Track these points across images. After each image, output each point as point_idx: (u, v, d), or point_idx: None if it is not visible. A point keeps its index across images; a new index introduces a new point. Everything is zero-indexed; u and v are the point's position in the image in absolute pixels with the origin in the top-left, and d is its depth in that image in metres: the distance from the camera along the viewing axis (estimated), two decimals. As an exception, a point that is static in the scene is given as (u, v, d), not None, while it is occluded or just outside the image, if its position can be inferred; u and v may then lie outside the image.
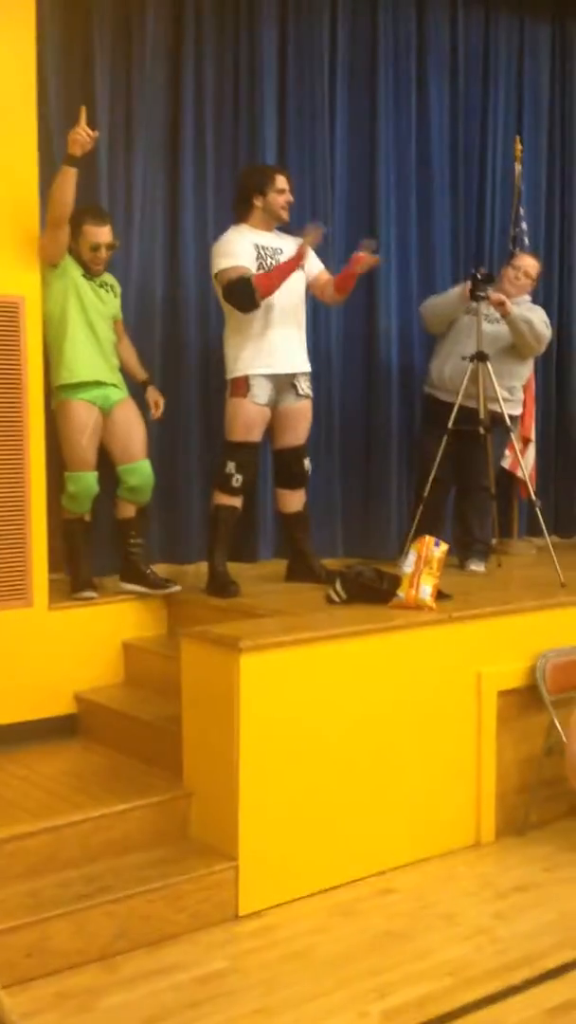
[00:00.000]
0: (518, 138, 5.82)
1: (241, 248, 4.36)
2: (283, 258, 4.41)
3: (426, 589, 4.07)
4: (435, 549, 4.14)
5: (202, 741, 3.64)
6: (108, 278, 4.42)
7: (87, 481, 4.32)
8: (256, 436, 4.49)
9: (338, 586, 4.23)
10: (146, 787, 3.71)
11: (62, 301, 4.22)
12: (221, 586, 4.43)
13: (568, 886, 3.79)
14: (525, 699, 4.19)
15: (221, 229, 4.74)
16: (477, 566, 5.10)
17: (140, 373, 4.60)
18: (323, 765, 3.68)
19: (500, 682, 4.11)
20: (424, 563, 4.11)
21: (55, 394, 4.30)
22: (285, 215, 4.49)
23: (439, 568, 4.14)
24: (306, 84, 5.19)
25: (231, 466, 4.46)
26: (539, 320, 5.01)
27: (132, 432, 4.42)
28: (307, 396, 4.61)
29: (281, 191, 4.44)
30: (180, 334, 4.93)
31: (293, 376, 4.53)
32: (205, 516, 4.72)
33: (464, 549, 5.13)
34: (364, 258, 4.48)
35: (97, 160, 4.53)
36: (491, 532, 5.21)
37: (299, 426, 4.57)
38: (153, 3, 4.70)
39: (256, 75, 5.03)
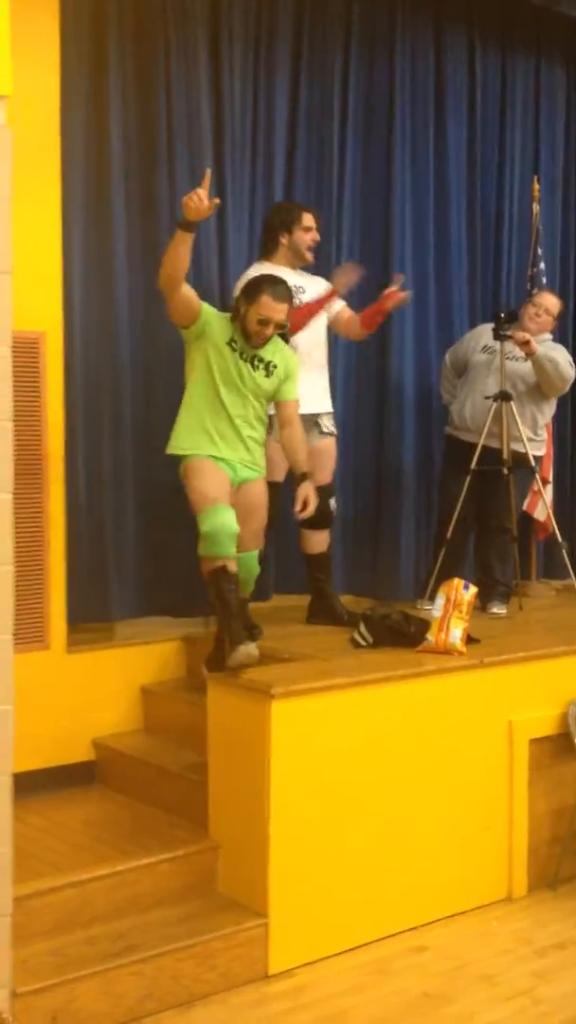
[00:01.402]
0: (536, 177, 5.80)
1: None
2: (305, 298, 4.35)
3: (456, 633, 3.97)
4: (464, 592, 4.06)
5: (229, 791, 3.52)
6: (268, 354, 3.93)
7: (221, 516, 3.67)
8: (278, 475, 4.39)
9: (363, 629, 4.13)
10: (170, 839, 3.58)
11: (194, 363, 3.91)
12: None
13: (606, 943, 3.66)
14: (557, 747, 4.08)
15: (237, 267, 4.70)
16: (499, 609, 5.00)
17: (299, 466, 4.00)
18: (353, 816, 3.56)
19: (532, 730, 4.00)
20: (454, 606, 4.02)
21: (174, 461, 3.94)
22: (309, 255, 4.43)
23: (468, 612, 4.04)
24: (315, 127, 5.13)
25: None
26: (564, 360, 4.96)
27: (252, 515, 3.92)
28: (331, 434, 4.53)
29: (307, 229, 4.39)
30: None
31: (316, 416, 4.45)
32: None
33: (486, 591, 5.03)
34: (395, 294, 4.42)
35: (113, 197, 4.48)
36: (513, 574, 5.12)
37: (324, 465, 4.48)
38: (172, 43, 4.66)
39: (271, 115, 4.99)
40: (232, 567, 3.69)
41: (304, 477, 3.96)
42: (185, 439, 3.87)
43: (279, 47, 5.00)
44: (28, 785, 3.92)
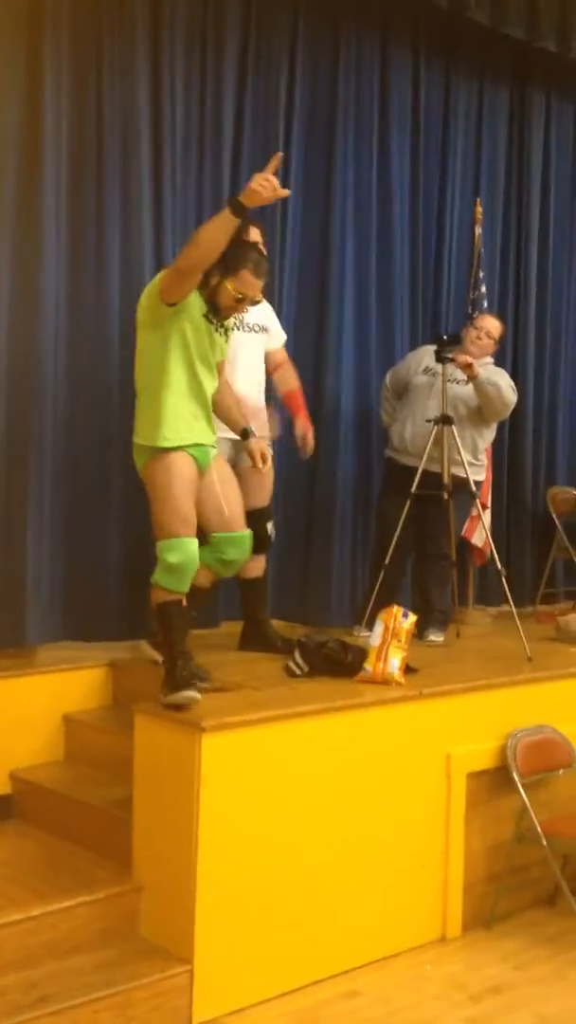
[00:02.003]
0: (478, 200, 5.75)
1: None
2: (248, 318, 4.22)
3: (394, 663, 3.84)
4: (403, 620, 3.93)
5: (155, 828, 3.32)
6: (227, 321, 3.78)
7: (192, 549, 3.48)
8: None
9: (298, 657, 3.98)
10: (91, 879, 3.37)
11: (166, 345, 3.55)
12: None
13: (542, 987, 3.54)
14: (494, 781, 3.96)
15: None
16: (437, 636, 4.89)
17: (240, 420, 3.93)
18: (284, 854, 3.39)
19: (470, 763, 3.88)
20: (392, 635, 3.89)
21: (142, 451, 3.63)
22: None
23: (407, 640, 3.91)
24: (259, 140, 5.00)
25: None
26: (506, 384, 4.88)
27: (230, 492, 3.79)
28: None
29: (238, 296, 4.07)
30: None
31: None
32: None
33: (423, 618, 4.90)
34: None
35: (45, 199, 4.28)
36: (451, 601, 5.01)
37: (262, 486, 4.31)
38: (118, 46, 4.50)
39: (218, 127, 4.85)
40: (184, 602, 3.53)
41: (246, 434, 3.90)
42: (169, 427, 3.54)
43: (224, 57, 4.86)
44: None
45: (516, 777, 3.89)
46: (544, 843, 3.83)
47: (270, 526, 4.34)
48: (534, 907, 4.13)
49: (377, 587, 4.73)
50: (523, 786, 3.89)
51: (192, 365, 3.57)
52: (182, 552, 3.44)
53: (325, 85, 5.24)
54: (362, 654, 3.93)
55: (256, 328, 4.39)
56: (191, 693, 3.33)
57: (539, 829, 3.83)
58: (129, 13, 4.52)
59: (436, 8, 5.34)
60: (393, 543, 4.67)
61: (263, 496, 4.33)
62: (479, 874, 3.94)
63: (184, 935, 3.18)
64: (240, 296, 3.58)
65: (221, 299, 3.57)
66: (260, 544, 4.24)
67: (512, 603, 4.61)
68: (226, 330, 3.72)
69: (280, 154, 3.46)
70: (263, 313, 4.41)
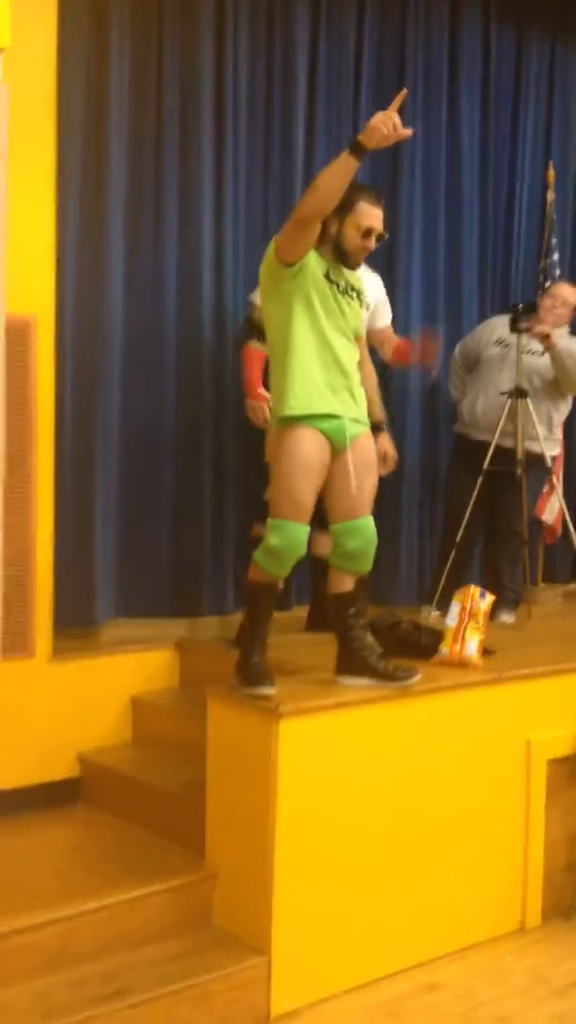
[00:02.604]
0: (551, 164, 5.54)
1: None
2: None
3: (472, 645, 3.70)
4: (481, 601, 3.78)
5: (230, 815, 3.23)
6: (357, 281, 3.45)
7: (298, 536, 3.22)
8: None
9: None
10: (163, 867, 3.29)
11: (290, 311, 3.25)
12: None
13: (627, 981, 3.41)
14: (573, 768, 3.82)
15: (238, 258, 4.49)
16: (508, 617, 4.75)
17: (376, 412, 3.63)
18: (362, 842, 3.28)
19: (550, 750, 3.74)
20: (469, 616, 3.74)
21: (277, 422, 3.34)
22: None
23: (485, 622, 3.78)
24: (333, 101, 4.88)
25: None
26: (585, 357, 4.70)
27: (366, 478, 3.38)
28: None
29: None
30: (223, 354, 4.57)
31: None
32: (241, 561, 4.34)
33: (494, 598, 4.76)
34: (429, 348, 4.18)
35: (108, 169, 4.18)
36: (522, 580, 4.86)
37: None
38: (178, 13, 4.37)
39: (288, 87, 4.71)
40: (280, 586, 3.38)
41: (380, 427, 3.60)
42: (295, 396, 3.23)
43: (292, 21, 4.71)
44: (8, 804, 3.65)
45: (598, 764, 3.75)
46: (628, 833, 3.70)
47: None
48: (614, 897, 4.00)
49: (448, 566, 4.59)
50: (605, 773, 3.75)
51: (322, 331, 3.26)
52: (285, 535, 3.21)
53: (394, 46, 5.07)
54: (437, 636, 3.80)
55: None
56: (266, 690, 3.20)
57: (622, 818, 3.70)
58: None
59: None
60: (464, 521, 4.53)
61: None
62: (559, 863, 3.81)
63: (261, 925, 3.10)
64: (365, 228, 3.28)
65: (348, 243, 3.29)
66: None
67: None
68: (359, 294, 3.41)
69: (405, 90, 3.15)
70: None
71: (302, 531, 3.24)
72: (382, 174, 5.05)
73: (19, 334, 3.57)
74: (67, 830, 3.61)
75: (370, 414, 3.50)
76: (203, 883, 3.24)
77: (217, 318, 4.53)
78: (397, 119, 3.03)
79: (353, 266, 3.37)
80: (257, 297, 4.00)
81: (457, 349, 5.01)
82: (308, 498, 3.25)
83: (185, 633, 4.39)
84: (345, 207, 3.23)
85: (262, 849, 3.10)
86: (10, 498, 3.57)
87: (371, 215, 3.29)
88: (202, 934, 3.17)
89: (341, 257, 3.32)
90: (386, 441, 3.68)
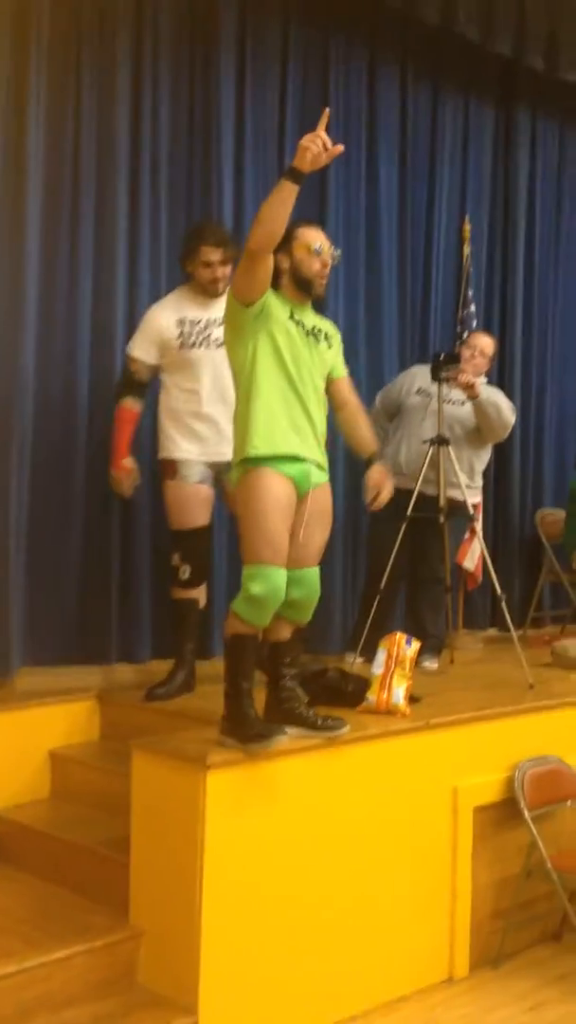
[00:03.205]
0: (466, 219, 5.66)
1: (152, 327, 4.05)
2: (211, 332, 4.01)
3: (399, 692, 3.69)
4: (407, 647, 3.77)
5: (155, 870, 3.15)
6: (324, 323, 3.41)
7: (280, 580, 3.13)
8: (197, 520, 4.07)
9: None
10: (85, 926, 3.17)
11: (254, 354, 3.19)
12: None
13: (559, 1029, 3.39)
14: (501, 814, 3.82)
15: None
16: (431, 663, 4.76)
17: (367, 446, 3.61)
18: (290, 895, 3.22)
19: (477, 796, 3.73)
20: (396, 663, 3.73)
21: (238, 466, 3.25)
22: (213, 288, 4.01)
23: (411, 668, 3.77)
24: (257, 159, 4.94)
25: (175, 558, 4.07)
26: (507, 405, 4.78)
27: (322, 523, 3.36)
28: None
29: (206, 263, 3.97)
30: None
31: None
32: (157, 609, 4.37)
33: (416, 645, 4.78)
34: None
35: (27, 207, 4.15)
36: (444, 626, 4.88)
37: None
38: (95, 56, 4.39)
39: (208, 140, 4.75)
40: (260, 637, 3.27)
41: (372, 460, 3.59)
42: (259, 435, 3.16)
43: (212, 75, 4.77)
44: None
45: (525, 810, 3.75)
46: (555, 878, 3.70)
47: None
48: (541, 944, 3.99)
49: (371, 613, 4.59)
50: (531, 819, 3.75)
51: (286, 371, 3.20)
52: (267, 582, 3.10)
53: (314, 102, 5.14)
54: (363, 683, 3.78)
55: None
56: (280, 738, 3.12)
57: (549, 864, 3.69)
58: (110, 28, 4.41)
59: (424, 24, 5.27)
60: (388, 568, 4.54)
61: None
62: (486, 911, 3.79)
63: (188, 983, 3.00)
64: (315, 246, 3.23)
65: (304, 269, 3.24)
66: None
67: (513, 629, 4.47)
68: (327, 336, 3.36)
69: (328, 110, 3.12)
70: None
71: (282, 575, 3.14)
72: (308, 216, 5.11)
73: None
74: (-16, 890, 3.47)
75: (364, 446, 3.58)
76: (127, 942, 3.14)
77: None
78: (325, 137, 3.02)
79: (318, 295, 3.32)
80: (135, 349, 4.04)
81: (378, 398, 5.05)
82: (285, 539, 3.16)
83: (99, 682, 4.31)
84: (287, 239, 3.19)
85: (189, 905, 3.02)
86: None
87: (314, 235, 3.27)
88: (127, 995, 3.07)
89: (303, 288, 3.26)
90: (380, 471, 3.63)
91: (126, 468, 4.08)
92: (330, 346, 3.39)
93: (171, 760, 3.12)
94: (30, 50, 4.15)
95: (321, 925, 3.30)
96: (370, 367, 5.34)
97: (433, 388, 4.65)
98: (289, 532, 3.21)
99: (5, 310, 4.13)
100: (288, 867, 3.21)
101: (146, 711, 3.90)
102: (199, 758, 3.02)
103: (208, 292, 4.02)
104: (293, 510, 3.22)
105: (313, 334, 3.29)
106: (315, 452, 3.30)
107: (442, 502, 4.56)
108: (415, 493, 4.53)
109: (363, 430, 3.60)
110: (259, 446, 3.16)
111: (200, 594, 4.14)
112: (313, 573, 3.32)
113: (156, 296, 4.46)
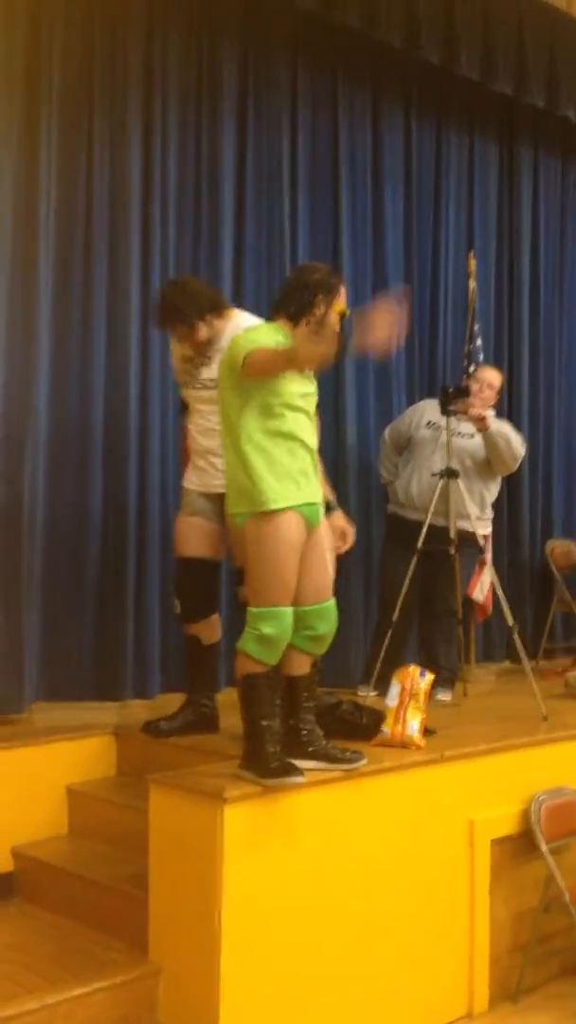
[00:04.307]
0: (471, 254, 5.73)
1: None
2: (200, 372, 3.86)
3: (413, 725, 3.70)
4: (421, 680, 3.79)
5: (173, 907, 3.15)
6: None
7: (287, 619, 3.17)
8: (188, 551, 3.90)
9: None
10: (105, 963, 3.18)
11: (249, 400, 3.18)
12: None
13: (580, 1065, 3.38)
14: (517, 847, 3.81)
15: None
16: (444, 695, 4.76)
17: (325, 492, 3.51)
18: (308, 931, 3.21)
19: (493, 829, 3.73)
20: (410, 696, 3.75)
21: (247, 514, 3.21)
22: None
23: (426, 701, 3.78)
24: (265, 188, 5.03)
25: (174, 588, 4.04)
26: (516, 438, 4.82)
27: (330, 560, 3.38)
28: None
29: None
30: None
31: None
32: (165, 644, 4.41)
33: (429, 677, 4.79)
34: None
35: (39, 258, 4.24)
36: (457, 659, 4.89)
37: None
38: (107, 107, 4.49)
39: (215, 173, 4.84)
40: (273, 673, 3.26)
41: (331, 506, 3.57)
42: (275, 490, 3.15)
43: (222, 111, 4.86)
44: None
45: (542, 843, 3.75)
46: (573, 912, 3.69)
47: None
48: (560, 978, 3.97)
49: (384, 646, 4.61)
50: (549, 851, 3.75)
51: (284, 418, 3.19)
52: (279, 623, 3.15)
53: (323, 146, 5.26)
54: (378, 716, 3.79)
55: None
56: (297, 779, 3.12)
57: (568, 897, 3.69)
58: (122, 79, 4.51)
59: (427, 64, 5.37)
60: (399, 601, 4.57)
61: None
62: (505, 945, 3.78)
63: (208, 1021, 3.00)
64: (343, 313, 3.29)
65: (331, 325, 3.27)
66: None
67: (526, 660, 4.48)
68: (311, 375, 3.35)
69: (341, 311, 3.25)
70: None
71: (291, 614, 3.19)
72: (322, 255, 5.19)
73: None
74: (1, 928, 3.47)
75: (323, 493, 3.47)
76: (147, 979, 3.14)
77: (142, 410, 4.59)
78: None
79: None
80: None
81: (387, 432, 5.10)
82: (295, 580, 3.19)
83: (114, 718, 4.33)
84: (332, 291, 3.27)
85: (208, 941, 3.02)
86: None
87: (344, 298, 3.34)
88: (146, 1033, 3.07)
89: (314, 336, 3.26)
90: (341, 518, 3.62)
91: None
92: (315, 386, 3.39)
93: (188, 794, 3.13)
94: (41, 100, 4.25)
95: (340, 960, 3.29)
96: (379, 402, 5.40)
97: (442, 421, 4.70)
98: (304, 568, 3.23)
99: (18, 351, 4.20)
100: (306, 901, 3.21)
101: (163, 746, 3.90)
102: (216, 792, 3.03)
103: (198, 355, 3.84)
104: (302, 547, 3.23)
105: (309, 376, 3.31)
106: (316, 488, 3.31)
107: (452, 534, 4.59)
108: (426, 525, 4.56)
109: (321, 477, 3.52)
110: (278, 500, 3.15)
111: (203, 630, 3.92)
112: (332, 605, 3.36)
113: (164, 340, 4.55)
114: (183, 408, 4.04)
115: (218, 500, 3.75)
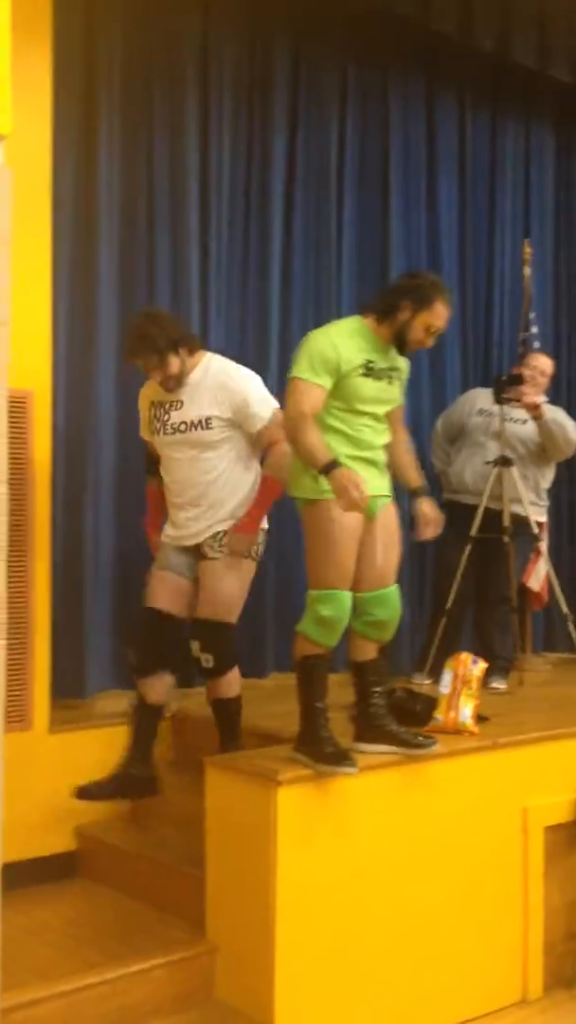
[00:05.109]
0: (526, 241, 5.71)
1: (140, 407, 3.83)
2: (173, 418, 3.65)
3: (466, 712, 3.73)
4: (473, 667, 3.82)
5: (229, 887, 3.23)
6: (398, 360, 3.37)
7: (347, 603, 3.23)
8: (154, 602, 3.69)
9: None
10: (164, 940, 3.27)
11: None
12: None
13: None
14: (572, 834, 3.83)
15: (220, 342, 4.56)
16: (499, 684, 4.78)
17: (415, 477, 3.56)
18: (362, 913, 3.27)
19: (547, 816, 3.75)
20: (462, 683, 3.78)
21: (301, 500, 3.27)
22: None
23: (479, 688, 3.81)
24: (314, 183, 5.06)
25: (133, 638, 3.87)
26: (571, 423, 4.82)
27: (391, 547, 3.42)
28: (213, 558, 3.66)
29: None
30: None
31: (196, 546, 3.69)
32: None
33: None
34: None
35: (99, 254, 4.32)
36: (513, 647, 4.90)
37: (200, 591, 3.67)
38: (165, 101, 4.55)
39: (267, 170, 4.89)
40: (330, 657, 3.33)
41: (419, 493, 3.53)
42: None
43: (274, 105, 4.91)
44: (6, 879, 3.59)
45: (596, 829, 3.76)
46: (627, 898, 3.70)
47: (196, 647, 3.64)
48: (615, 965, 3.98)
49: (439, 634, 4.63)
50: (603, 838, 3.76)
51: (348, 415, 3.25)
52: (336, 605, 3.20)
53: (375, 137, 5.27)
54: (431, 703, 3.83)
55: (194, 425, 3.58)
56: (348, 768, 3.17)
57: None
58: (179, 73, 4.57)
59: (480, 52, 5.36)
60: (454, 588, 4.59)
61: (207, 606, 3.64)
62: (559, 932, 3.80)
63: (264, 999, 3.07)
64: (433, 328, 3.27)
65: (411, 335, 3.25)
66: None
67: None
68: (399, 372, 3.37)
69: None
70: (208, 398, 3.59)
71: (349, 598, 3.24)
72: (368, 252, 5.22)
73: (18, 408, 3.64)
74: (65, 904, 3.58)
75: (410, 479, 3.54)
76: (204, 957, 3.22)
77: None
78: (365, 492, 3.05)
79: (403, 355, 3.35)
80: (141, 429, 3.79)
81: (439, 421, 5.12)
82: (352, 564, 3.24)
83: (175, 703, 4.40)
84: (423, 302, 3.24)
85: (263, 921, 3.09)
86: (8, 569, 3.60)
87: (442, 316, 3.29)
88: (205, 1008, 3.15)
89: (398, 344, 3.29)
90: (429, 504, 3.55)
91: (155, 545, 3.80)
92: (400, 381, 3.40)
93: (243, 777, 3.20)
94: (101, 94, 4.32)
95: (393, 943, 3.34)
96: (432, 390, 5.42)
97: (495, 408, 4.71)
98: (362, 555, 3.28)
99: (78, 341, 4.27)
100: (359, 883, 3.26)
101: (216, 730, 3.97)
102: (270, 774, 3.10)
103: (164, 390, 3.64)
104: (360, 533, 3.28)
105: (383, 375, 3.30)
106: (377, 479, 3.33)
107: (506, 521, 4.60)
108: (480, 509, 4.58)
109: (410, 460, 3.58)
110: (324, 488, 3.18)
111: (152, 686, 3.67)
112: (393, 592, 3.40)
113: (226, 332, 4.62)
114: (149, 467, 3.84)
115: (194, 552, 3.66)
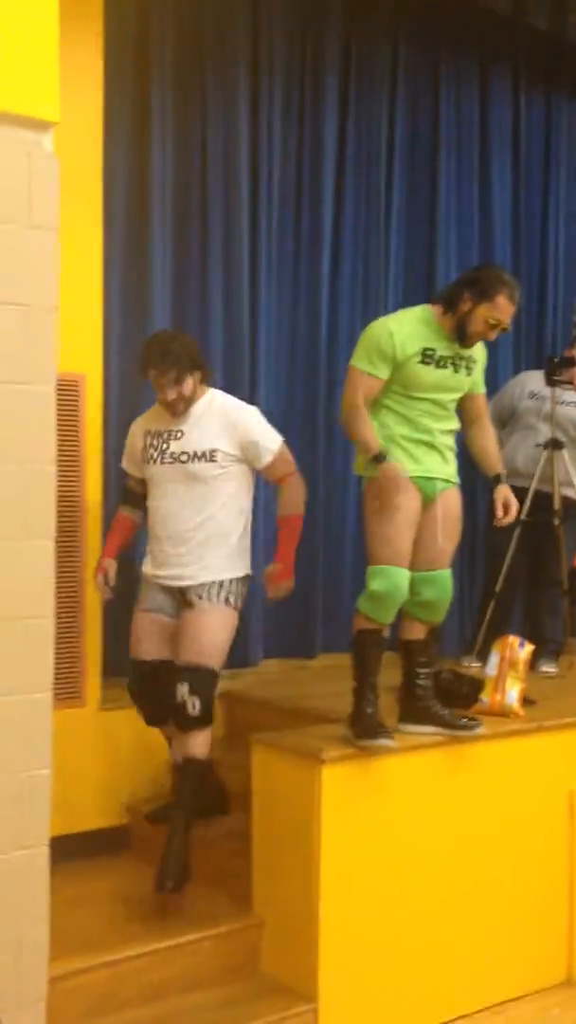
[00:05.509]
0: (581, 222, 5.67)
1: (129, 437, 3.74)
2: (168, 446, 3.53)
3: (512, 694, 3.74)
4: (520, 650, 3.83)
5: (275, 863, 3.28)
6: (468, 351, 3.41)
7: (399, 579, 3.27)
8: (140, 653, 3.60)
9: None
10: (210, 914, 3.33)
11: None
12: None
13: None
14: (618, 817, 3.83)
15: (270, 321, 4.60)
16: (550, 667, 4.77)
17: (495, 464, 3.62)
18: (406, 890, 3.31)
19: (593, 799, 3.76)
20: (509, 665, 3.79)
21: (366, 475, 3.36)
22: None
23: (525, 671, 3.82)
24: (364, 163, 5.05)
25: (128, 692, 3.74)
26: (626, 406, 4.79)
27: (450, 532, 3.46)
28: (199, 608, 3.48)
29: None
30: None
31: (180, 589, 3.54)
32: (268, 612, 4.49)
33: (535, 649, 4.78)
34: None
35: (152, 240, 4.36)
36: (564, 631, 4.89)
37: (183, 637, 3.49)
38: (217, 85, 4.56)
39: (318, 151, 4.88)
40: (386, 632, 3.38)
41: (499, 479, 3.58)
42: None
43: (324, 86, 4.90)
44: (55, 851, 3.69)
45: None
46: None
47: (183, 691, 3.39)
48: None
49: (488, 616, 4.64)
50: None
51: (407, 403, 3.32)
52: (387, 580, 3.26)
53: (426, 117, 5.25)
54: (478, 685, 3.84)
55: (196, 456, 3.47)
56: (385, 742, 3.21)
57: None
58: (230, 58, 4.58)
59: (534, 31, 5.31)
60: (504, 571, 4.58)
61: (193, 651, 3.43)
62: (605, 913, 3.80)
63: (308, 973, 3.13)
64: (494, 321, 3.29)
65: (472, 327, 3.28)
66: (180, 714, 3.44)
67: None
68: (467, 362, 3.41)
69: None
70: (213, 431, 3.47)
71: (403, 575, 3.28)
72: (418, 229, 5.21)
73: (69, 392, 3.70)
74: (115, 878, 3.65)
75: (489, 467, 3.59)
76: (250, 930, 3.28)
77: (252, 376, 4.68)
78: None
79: (467, 347, 3.36)
80: (123, 459, 3.72)
81: (490, 405, 5.08)
82: (407, 544, 3.30)
83: (224, 684, 4.44)
84: (485, 294, 3.27)
85: (307, 897, 3.14)
86: (60, 550, 3.66)
87: (505, 311, 3.30)
88: (250, 981, 3.21)
89: (459, 335, 3.31)
90: (505, 489, 3.56)
91: (102, 568, 3.66)
92: (469, 372, 3.43)
93: (288, 754, 3.25)
94: (152, 80, 4.35)
95: (437, 921, 3.37)
96: (485, 372, 5.37)
97: (546, 391, 4.69)
98: (418, 536, 3.33)
99: (134, 337, 4.28)
100: (403, 862, 3.30)
101: (268, 709, 4.04)
102: (315, 753, 3.14)
103: (170, 413, 3.52)
104: (418, 515, 3.33)
105: (453, 363, 3.35)
106: (439, 466, 3.39)
107: (556, 504, 4.58)
108: (531, 491, 4.56)
109: (491, 447, 3.64)
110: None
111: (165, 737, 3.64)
112: (445, 575, 3.44)
113: (277, 316, 4.65)
114: (125, 498, 3.75)
115: (178, 593, 3.52)
